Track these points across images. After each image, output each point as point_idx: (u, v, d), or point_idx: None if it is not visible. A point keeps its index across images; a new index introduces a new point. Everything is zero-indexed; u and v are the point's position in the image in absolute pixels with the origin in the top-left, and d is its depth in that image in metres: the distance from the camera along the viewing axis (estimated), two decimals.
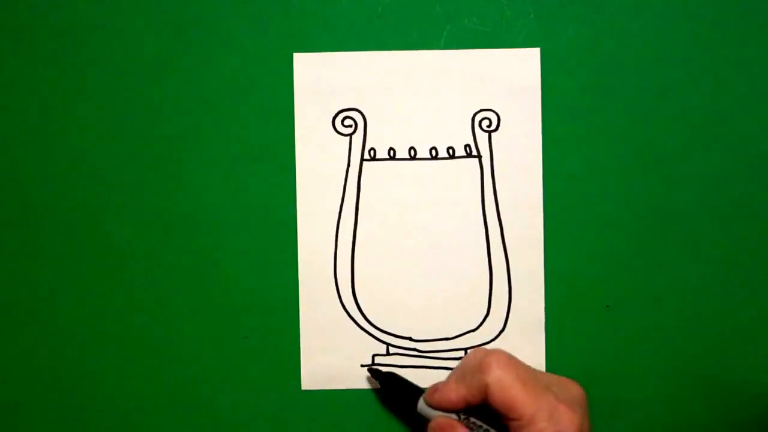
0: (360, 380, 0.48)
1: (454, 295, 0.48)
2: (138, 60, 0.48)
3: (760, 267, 0.48)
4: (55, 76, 0.48)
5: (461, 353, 0.48)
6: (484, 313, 0.48)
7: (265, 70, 0.48)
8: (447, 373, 0.48)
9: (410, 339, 0.48)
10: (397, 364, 0.48)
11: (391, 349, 0.48)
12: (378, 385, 0.47)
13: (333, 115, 0.48)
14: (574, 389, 0.43)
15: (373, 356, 0.48)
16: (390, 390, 0.47)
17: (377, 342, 0.48)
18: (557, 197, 0.48)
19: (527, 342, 0.48)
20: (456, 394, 0.43)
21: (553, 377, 0.44)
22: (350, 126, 0.48)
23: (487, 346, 0.48)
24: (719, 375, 0.48)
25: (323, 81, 0.48)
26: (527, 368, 0.43)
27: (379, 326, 0.48)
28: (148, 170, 0.48)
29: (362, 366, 0.48)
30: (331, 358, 0.48)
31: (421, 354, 0.48)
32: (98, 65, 0.48)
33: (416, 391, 0.46)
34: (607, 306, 0.48)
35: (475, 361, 0.43)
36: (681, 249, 0.48)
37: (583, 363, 0.48)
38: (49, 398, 0.48)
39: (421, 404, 0.45)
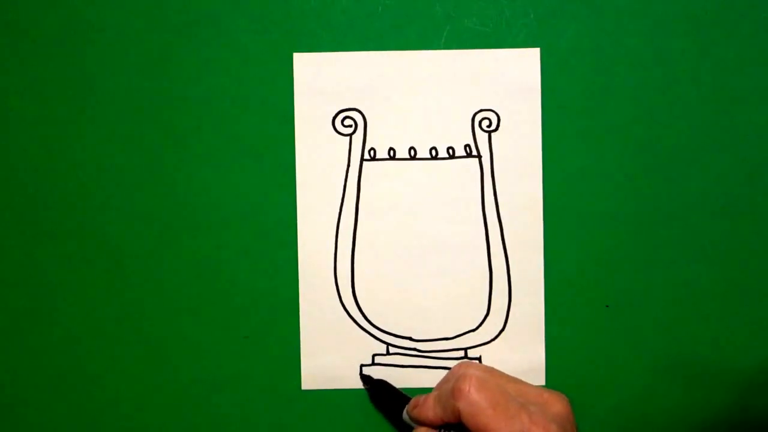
0: (360, 380, 0.48)
1: (454, 295, 0.48)
2: (138, 60, 0.48)
3: (760, 267, 0.48)
4: (56, 76, 0.48)
5: (461, 353, 0.48)
6: (484, 313, 0.48)
7: (265, 70, 0.48)
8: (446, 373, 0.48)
9: (410, 339, 0.48)
10: (397, 364, 0.48)
11: (391, 349, 0.48)
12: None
13: (333, 115, 0.48)
14: (556, 406, 0.42)
15: (373, 356, 0.48)
16: (379, 396, 0.48)
17: (377, 342, 0.48)
18: (557, 197, 0.48)
19: (527, 342, 0.48)
20: (433, 413, 0.43)
21: (536, 393, 0.43)
22: (350, 126, 0.48)
23: (486, 347, 0.48)
24: (720, 374, 0.48)
25: (323, 81, 0.48)
26: (503, 388, 0.42)
27: (379, 326, 0.48)
28: (148, 170, 0.48)
29: (362, 366, 0.48)
30: (331, 358, 0.48)
31: (421, 354, 0.48)
32: (98, 65, 0.48)
33: (403, 400, 0.46)
34: (607, 306, 0.48)
35: (451, 382, 0.43)
36: (681, 249, 0.48)
37: (583, 363, 0.48)
38: (49, 398, 0.48)
39: (405, 415, 0.46)
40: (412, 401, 0.45)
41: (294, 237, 0.48)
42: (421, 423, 0.44)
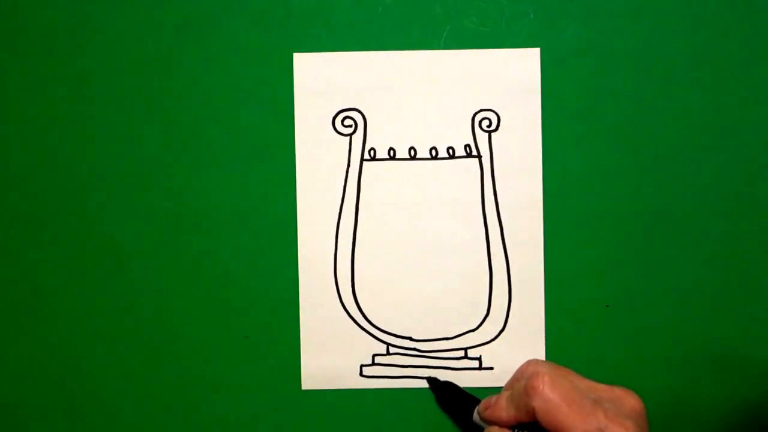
0: (360, 380, 0.48)
1: (454, 295, 0.48)
2: (138, 60, 0.48)
3: (760, 266, 0.48)
4: (56, 76, 0.48)
5: (461, 353, 0.48)
6: (484, 313, 0.48)
7: (265, 70, 0.48)
8: (447, 373, 0.48)
9: (410, 339, 0.48)
10: (397, 364, 0.48)
11: (391, 349, 0.48)
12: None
13: (333, 115, 0.48)
14: (629, 402, 0.42)
15: (373, 356, 0.48)
16: (447, 399, 0.47)
17: (377, 342, 0.48)
18: (557, 197, 0.48)
19: (527, 342, 0.48)
20: (506, 413, 0.43)
21: (607, 390, 0.43)
22: (350, 126, 0.48)
23: (486, 347, 0.48)
24: (719, 374, 0.48)
25: (323, 81, 0.48)
26: (576, 385, 0.42)
27: (379, 326, 0.48)
28: (148, 170, 0.48)
29: (362, 366, 0.48)
30: (331, 358, 0.48)
31: (421, 354, 0.48)
32: (98, 65, 0.48)
33: (472, 401, 0.46)
34: (607, 306, 0.48)
35: (523, 381, 0.43)
36: (681, 248, 0.48)
37: (583, 363, 0.48)
38: (49, 398, 0.48)
39: (476, 416, 0.46)
40: (483, 402, 0.45)
41: (294, 237, 0.48)
42: (494, 423, 0.44)
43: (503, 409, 0.43)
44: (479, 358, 0.48)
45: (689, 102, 0.48)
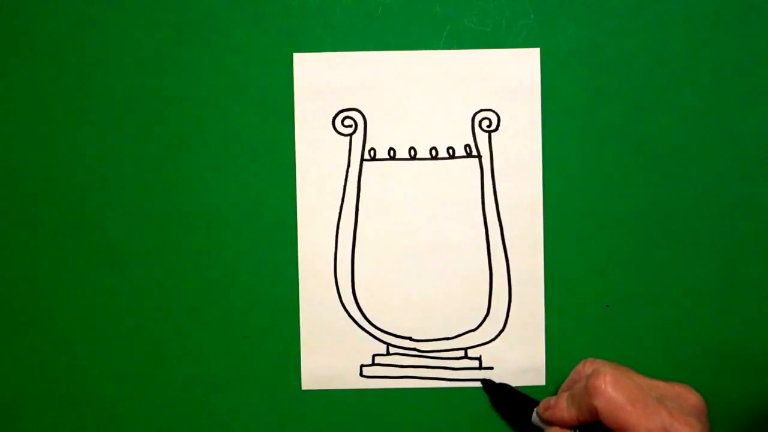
0: (360, 380, 0.48)
1: (454, 295, 0.48)
2: (138, 60, 0.48)
3: (760, 267, 0.48)
4: (55, 76, 0.48)
5: (461, 353, 0.48)
6: (484, 313, 0.48)
7: (265, 70, 0.48)
8: (446, 372, 0.48)
9: (410, 339, 0.48)
10: (397, 364, 0.48)
11: (391, 349, 0.48)
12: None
13: (333, 115, 0.48)
14: (691, 399, 0.42)
15: (373, 356, 0.48)
16: (503, 401, 0.47)
17: (377, 342, 0.48)
18: (557, 197, 0.48)
19: (527, 342, 0.48)
20: (568, 414, 0.43)
21: (668, 387, 0.43)
22: (350, 126, 0.48)
23: (486, 347, 0.48)
24: (719, 375, 0.48)
25: (323, 81, 0.48)
26: (637, 383, 0.42)
27: (379, 326, 0.48)
28: (148, 170, 0.48)
29: (362, 366, 0.48)
30: (331, 358, 0.48)
31: (421, 354, 0.48)
32: (98, 65, 0.48)
33: (529, 402, 0.46)
34: (607, 306, 0.48)
35: (583, 380, 0.42)
36: (681, 249, 0.48)
37: None
38: (49, 398, 0.48)
39: (535, 417, 0.46)
40: (542, 403, 0.45)
41: (294, 237, 0.48)
42: (555, 424, 0.44)
43: (564, 410, 0.43)
44: (479, 358, 0.48)
45: (689, 102, 0.48)
